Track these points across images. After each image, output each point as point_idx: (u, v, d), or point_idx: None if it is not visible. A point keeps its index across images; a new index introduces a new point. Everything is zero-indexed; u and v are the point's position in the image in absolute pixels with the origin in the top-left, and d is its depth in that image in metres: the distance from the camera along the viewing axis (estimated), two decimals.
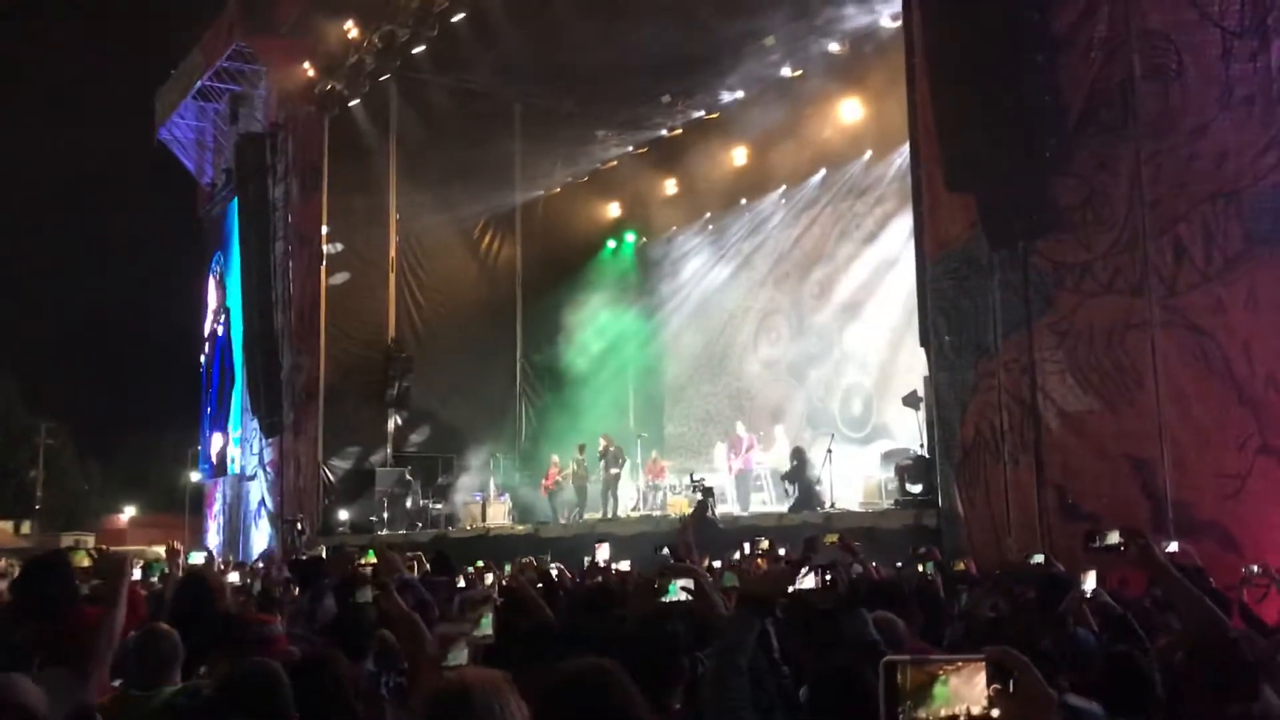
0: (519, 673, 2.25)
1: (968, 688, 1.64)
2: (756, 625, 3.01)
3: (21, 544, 33.76)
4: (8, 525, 38.68)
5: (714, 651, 2.95)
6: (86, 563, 4.33)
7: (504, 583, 6.93)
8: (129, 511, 43.95)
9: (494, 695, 1.96)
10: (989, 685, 1.63)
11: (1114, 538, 3.84)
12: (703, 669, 3.23)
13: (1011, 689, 1.62)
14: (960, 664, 1.65)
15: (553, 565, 8.79)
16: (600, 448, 19.82)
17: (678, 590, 3.86)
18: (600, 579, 7.10)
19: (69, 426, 49.10)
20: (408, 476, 22.46)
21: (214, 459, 29.58)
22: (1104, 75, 10.99)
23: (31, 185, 65.22)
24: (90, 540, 35.77)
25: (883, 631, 3.77)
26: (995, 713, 1.62)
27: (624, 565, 8.03)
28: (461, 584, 6.04)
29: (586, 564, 8.54)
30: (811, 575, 3.43)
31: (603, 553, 8.12)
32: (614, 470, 19.53)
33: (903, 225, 17.51)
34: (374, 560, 5.04)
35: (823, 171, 21.28)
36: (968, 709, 1.63)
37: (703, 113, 22.95)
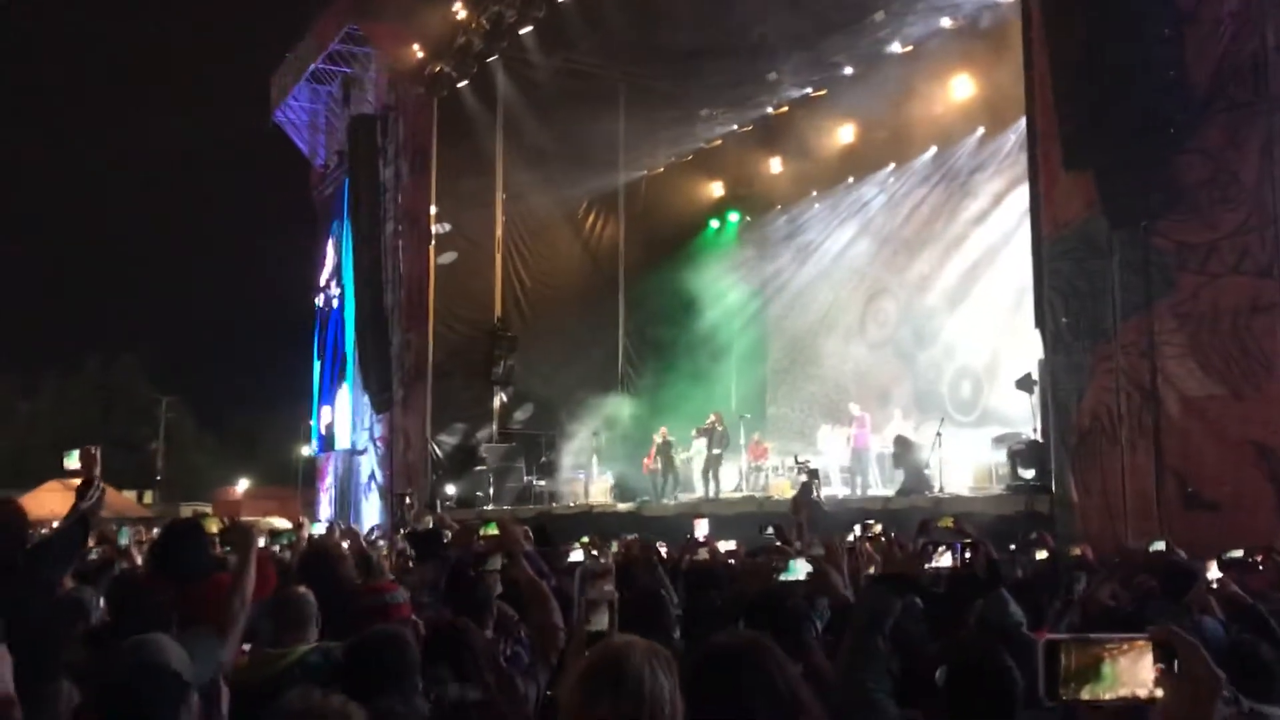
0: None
1: (1133, 669, 1.61)
2: (895, 605, 3.00)
3: (145, 513, 35.17)
4: (131, 495, 40.32)
5: (851, 632, 2.95)
6: (215, 529, 4.51)
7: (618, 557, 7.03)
8: (243, 484, 45.42)
9: (644, 661, 1.99)
10: (1154, 665, 1.61)
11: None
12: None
13: (1176, 669, 1.60)
14: (1125, 644, 1.63)
15: (658, 543, 8.85)
16: (707, 423, 19.81)
17: (797, 569, 3.86)
18: (704, 556, 7.13)
19: (188, 400, 51.01)
20: (511, 453, 22.81)
21: (324, 433, 30.43)
22: (1233, 49, 10.57)
23: (153, 168, 67.68)
24: (208, 510, 37.16)
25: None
26: (1160, 693, 1.60)
27: (730, 544, 8.03)
28: (578, 556, 6.13)
29: (686, 539, 8.56)
30: (948, 554, 3.40)
31: (701, 529, 8.12)
32: (715, 450, 19.54)
33: (1016, 204, 17.11)
34: (495, 532, 5.15)
35: (933, 149, 20.89)
36: (1133, 690, 1.61)
37: (809, 90, 22.67)
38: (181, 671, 2.54)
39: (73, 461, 4.49)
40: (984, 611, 3.66)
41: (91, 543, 6.60)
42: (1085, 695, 1.62)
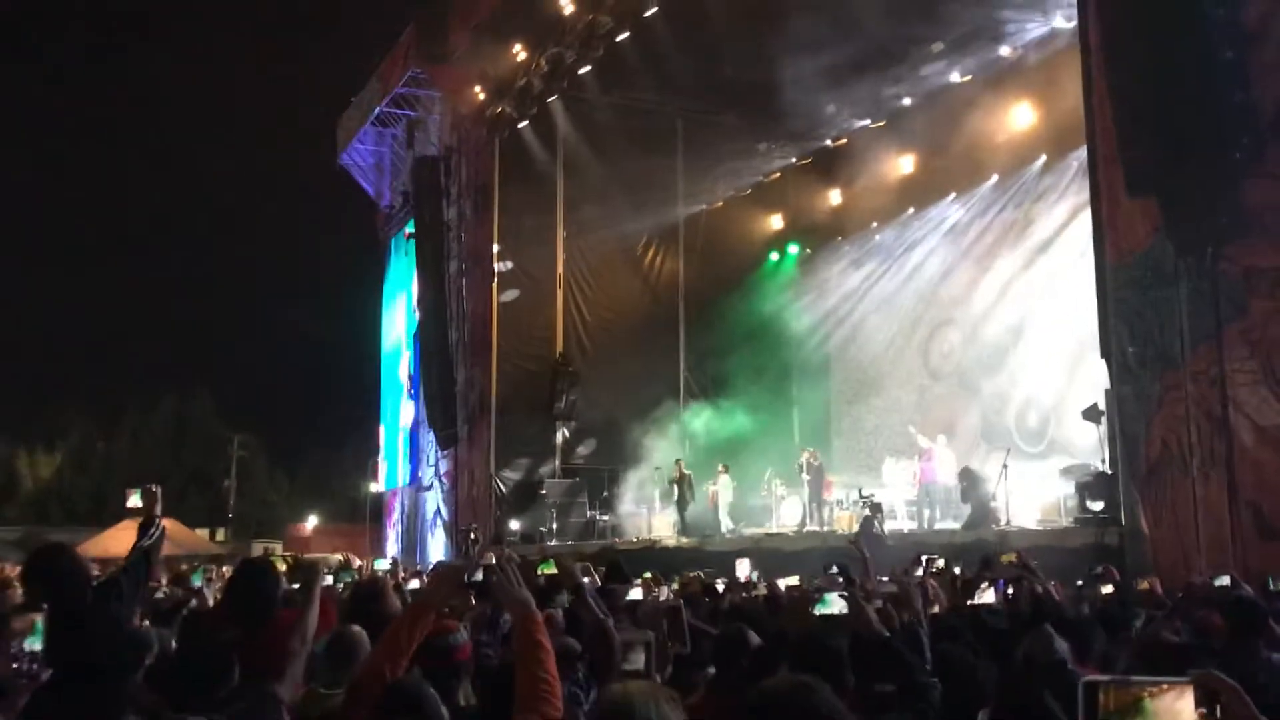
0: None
1: (1172, 712, 1.59)
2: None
3: (217, 549, 35.77)
4: (204, 533, 41.05)
5: None
6: (284, 568, 4.60)
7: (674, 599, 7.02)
8: (313, 520, 46.02)
9: (655, 707, 2.01)
10: (1196, 710, 1.59)
11: None
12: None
13: (1219, 715, 1.58)
14: (1165, 686, 1.61)
15: (718, 580, 8.81)
16: (803, 459, 19.74)
17: (832, 603, 3.85)
18: (761, 592, 7.09)
19: (259, 438, 51.93)
20: (574, 488, 22.90)
21: (388, 470, 30.83)
22: None
23: (224, 211, 69.42)
24: (278, 548, 37.72)
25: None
26: None
27: (793, 580, 7.98)
28: (637, 594, 6.13)
29: (726, 583, 8.49)
30: (991, 590, 3.37)
31: (743, 568, 8.06)
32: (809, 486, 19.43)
33: (1080, 232, 16.86)
34: (553, 570, 5.19)
35: (994, 177, 20.71)
36: None
37: (868, 121, 22.68)
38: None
39: (135, 500, 4.63)
40: (1028, 648, 3.60)
41: (165, 582, 6.77)
42: None
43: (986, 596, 3.41)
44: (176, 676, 3.62)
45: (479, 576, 3.21)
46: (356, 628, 4.00)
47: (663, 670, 4.11)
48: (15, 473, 51.67)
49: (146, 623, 4.79)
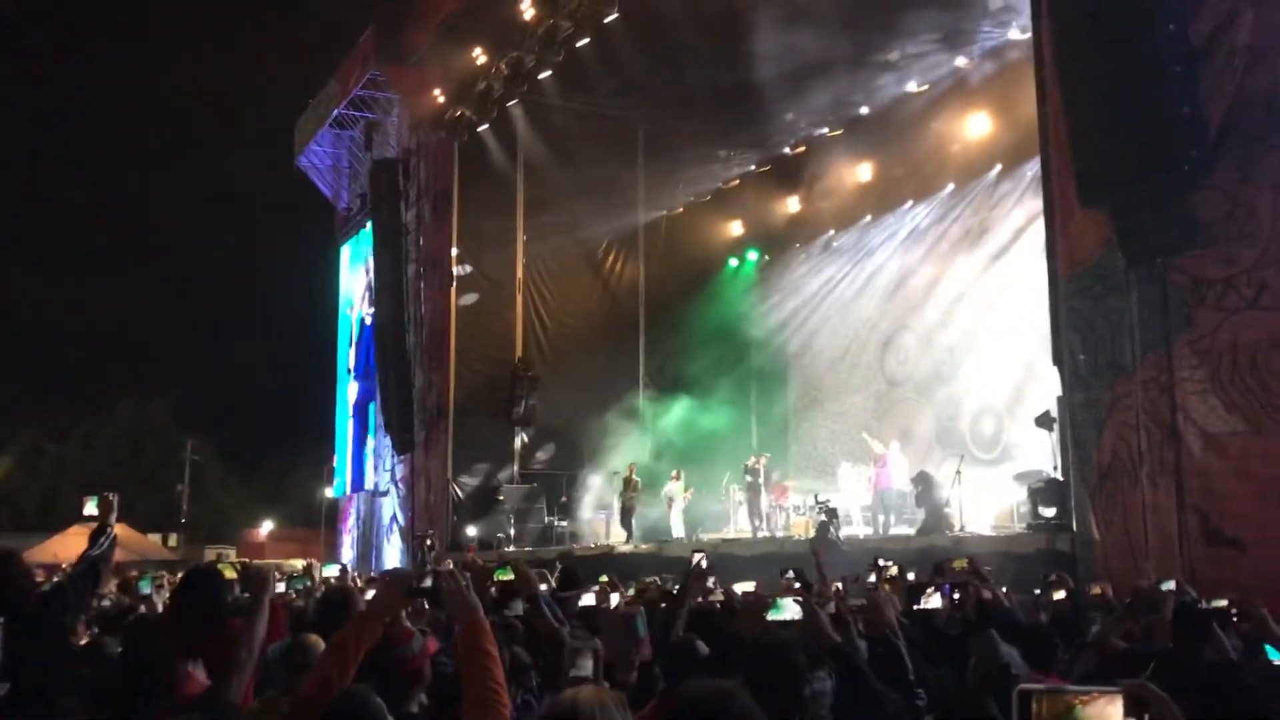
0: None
1: (1100, 718, 1.63)
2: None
3: (170, 556, 35.34)
4: (157, 538, 40.53)
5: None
6: (232, 575, 4.55)
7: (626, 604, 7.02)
8: (268, 526, 45.57)
9: (601, 712, 2.01)
10: (1125, 718, 1.62)
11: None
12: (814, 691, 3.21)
13: None
14: (1096, 695, 1.64)
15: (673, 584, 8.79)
16: (753, 463, 19.82)
17: (785, 608, 3.87)
18: (719, 598, 7.09)
19: (213, 443, 51.36)
20: (532, 494, 22.83)
21: (342, 475, 30.60)
22: (1247, 83, 10.57)
23: (179, 213, 68.59)
24: (232, 553, 37.32)
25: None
26: None
27: (749, 586, 8.00)
28: (590, 600, 6.12)
29: (688, 575, 8.44)
30: (937, 596, 3.41)
31: (701, 559, 8.04)
32: (753, 490, 19.54)
33: (1034, 240, 17.10)
34: (509, 577, 5.17)
35: (950, 186, 20.95)
36: None
37: (826, 130, 22.87)
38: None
39: (91, 508, 4.57)
40: (973, 652, 3.64)
41: (115, 589, 6.66)
42: None
43: (932, 602, 3.44)
44: (120, 685, 3.57)
45: (428, 583, 3.18)
46: (313, 636, 3.96)
47: (628, 676, 4.11)
48: None
49: (95, 629, 4.73)
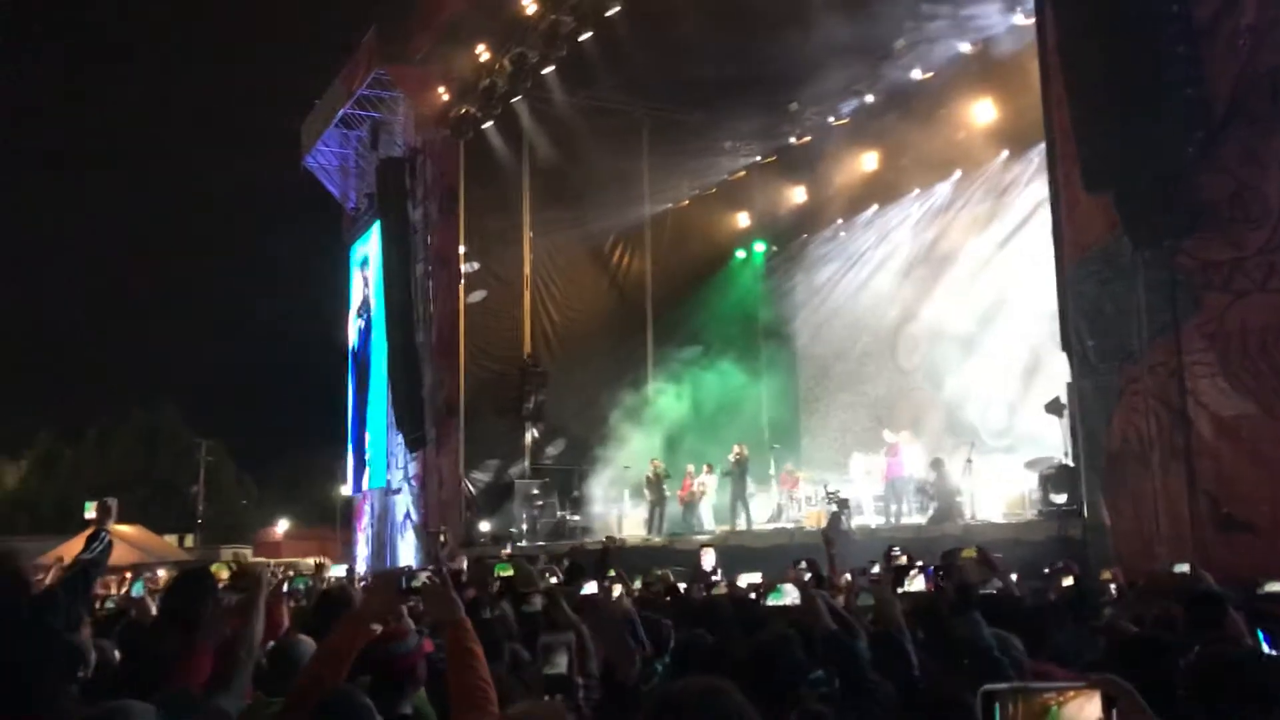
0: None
1: (1079, 716, 1.58)
2: None
3: (186, 557, 35.48)
4: (173, 539, 40.72)
5: None
6: (226, 575, 4.56)
7: (635, 595, 7.02)
8: (283, 525, 45.75)
9: None
10: (1101, 714, 1.57)
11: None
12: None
13: (1115, 718, 1.56)
14: (1071, 692, 1.60)
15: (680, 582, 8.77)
16: (734, 455, 19.78)
17: (784, 593, 3.85)
18: (722, 590, 7.08)
19: (227, 444, 51.59)
20: (544, 489, 22.84)
21: (356, 474, 30.68)
22: (1252, 64, 10.48)
23: (190, 216, 68.85)
24: (248, 552, 37.52)
25: (1004, 652, 3.66)
26: None
27: (755, 577, 7.98)
28: (591, 588, 6.11)
29: (694, 572, 8.47)
30: (921, 578, 3.39)
31: (707, 559, 8.07)
32: (739, 483, 19.52)
33: (1042, 226, 17.01)
34: (509, 573, 5.16)
35: (957, 173, 20.86)
36: None
37: (831, 119, 22.77)
38: None
39: (91, 512, 4.60)
40: (956, 634, 3.61)
41: (112, 591, 6.68)
42: None
43: (916, 584, 3.43)
44: (124, 687, 3.58)
45: (418, 583, 3.18)
46: (305, 636, 3.96)
47: (629, 674, 4.11)
48: None
49: (87, 631, 4.73)
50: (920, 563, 4.95)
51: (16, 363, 58.39)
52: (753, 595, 7.02)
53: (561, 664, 2.90)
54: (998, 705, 1.59)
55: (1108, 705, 1.57)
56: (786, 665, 3.26)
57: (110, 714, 2.55)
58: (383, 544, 28.03)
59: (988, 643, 3.58)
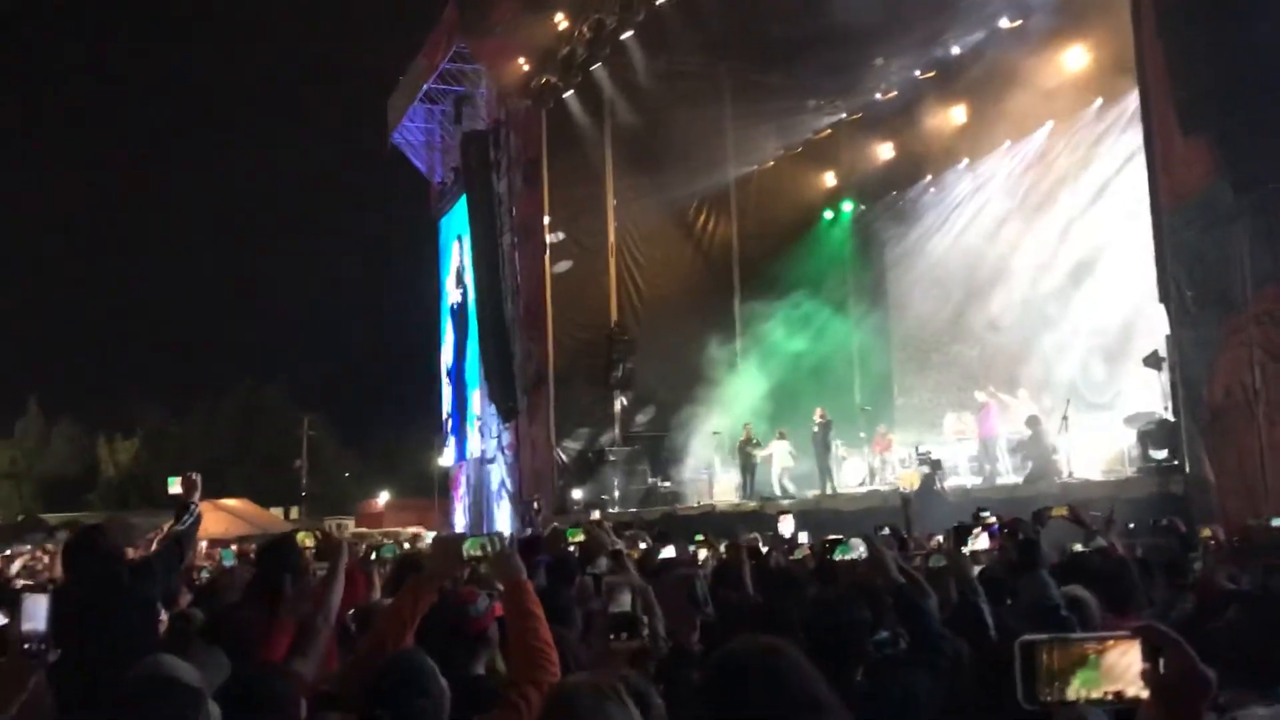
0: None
1: (1119, 666, 1.53)
2: None
3: (290, 528, 36.49)
4: (279, 512, 41.97)
5: None
6: (311, 543, 4.66)
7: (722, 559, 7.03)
8: (384, 496, 46.81)
9: (599, 700, 2.01)
10: (1143, 663, 1.52)
11: None
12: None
13: (1162, 668, 1.51)
14: (1111, 642, 1.54)
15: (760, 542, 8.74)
16: (817, 418, 19.61)
17: (852, 548, 3.82)
18: (786, 559, 7.03)
19: (329, 419, 52.93)
20: (634, 456, 22.97)
21: (459, 443, 31.23)
22: None
23: (283, 198, 70.45)
24: (350, 523, 38.45)
25: (1073, 610, 3.57)
26: (1145, 694, 1.51)
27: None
28: (670, 553, 6.13)
29: (769, 541, 8.43)
30: (985, 536, 3.32)
31: (785, 526, 7.99)
32: (826, 445, 19.38)
33: (1138, 175, 16.43)
34: (580, 538, 5.21)
35: (1050, 123, 20.22)
36: (1120, 688, 1.53)
37: (918, 72, 22.25)
38: (190, 683, 2.58)
39: (176, 487, 4.75)
40: (1021, 594, 3.53)
41: (209, 562, 6.91)
42: (1070, 695, 1.54)
43: (980, 543, 3.36)
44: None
45: (475, 549, 3.22)
46: (382, 600, 4.05)
47: (689, 638, 4.11)
48: (97, 460, 53.27)
49: (185, 601, 4.91)
50: (992, 520, 4.86)
51: (126, 345, 60.66)
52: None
53: (625, 602, 2.93)
54: (1035, 655, 1.55)
55: (1153, 654, 1.51)
56: (850, 623, 3.23)
57: (151, 667, 2.62)
58: (480, 513, 28.52)
59: (1054, 601, 3.50)
